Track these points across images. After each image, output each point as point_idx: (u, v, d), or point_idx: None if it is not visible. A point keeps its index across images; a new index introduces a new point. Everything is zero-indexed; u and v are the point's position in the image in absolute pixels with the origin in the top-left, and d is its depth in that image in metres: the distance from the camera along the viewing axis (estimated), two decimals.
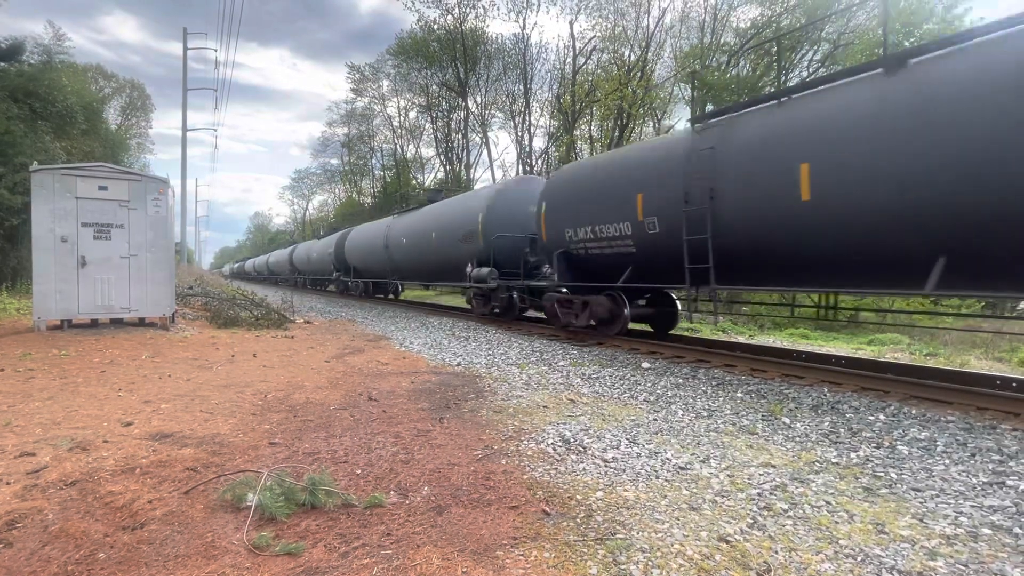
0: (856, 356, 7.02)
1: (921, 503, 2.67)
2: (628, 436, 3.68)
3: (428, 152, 42.66)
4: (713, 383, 5.41)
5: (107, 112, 31.35)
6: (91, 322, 8.70)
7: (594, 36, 28.05)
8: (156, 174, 9.50)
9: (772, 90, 7.95)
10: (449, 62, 33.39)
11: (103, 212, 8.58)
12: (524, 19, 31.14)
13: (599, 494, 2.71)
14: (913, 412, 4.24)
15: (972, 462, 3.21)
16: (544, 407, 4.47)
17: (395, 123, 42.21)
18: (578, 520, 2.43)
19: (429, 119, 38.20)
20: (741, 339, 9.30)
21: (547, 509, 2.54)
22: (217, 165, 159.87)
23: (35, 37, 15.14)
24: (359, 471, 2.99)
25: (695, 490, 2.79)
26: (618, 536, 2.28)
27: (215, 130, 36.75)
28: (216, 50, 62.18)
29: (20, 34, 14.83)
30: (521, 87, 32.06)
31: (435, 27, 31.94)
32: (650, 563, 2.08)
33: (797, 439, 3.71)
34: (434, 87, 36.00)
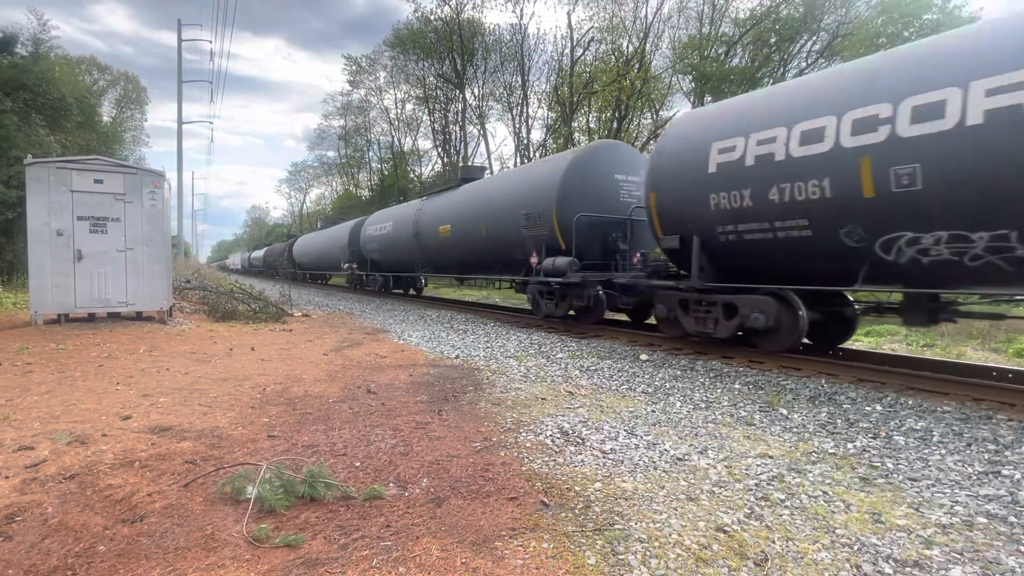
0: (853, 348, 7.05)
1: (917, 492, 2.68)
2: (626, 428, 3.69)
3: (425, 144, 42.48)
4: (711, 375, 5.42)
5: (102, 105, 31.12)
6: (88, 316, 8.68)
7: (592, 27, 27.91)
8: (152, 167, 9.44)
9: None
10: (446, 53, 33.17)
11: (99, 205, 8.53)
12: (521, 8, 30.95)
13: (597, 485, 2.72)
14: (910, 403, 4.27)
15: (968, 452, 3.23)
16: (542, 399, 4.48)
17: (392, 115, 42.01)
18: (576, 511, 2.44)
19: (426, 111, 38.01)
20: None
21: (545, 500, 2.55)
22: (213, 157, 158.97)
23: (21, 26, 14.91)
24: (358, 463, 3.00)
25: (693, 481, 2.81)
26: (616, 526, 2.29)
27: (211, 122, 36.47)
28: (211, 41, 61.41)
29: (6, 24, 14.66)
30: (519, 78, 31.92)
31: (432, 18, 31.73)
32: (648, 553, 2.09)
33: (794, 430, 3.72)
34: (431, 79, 35.80)
